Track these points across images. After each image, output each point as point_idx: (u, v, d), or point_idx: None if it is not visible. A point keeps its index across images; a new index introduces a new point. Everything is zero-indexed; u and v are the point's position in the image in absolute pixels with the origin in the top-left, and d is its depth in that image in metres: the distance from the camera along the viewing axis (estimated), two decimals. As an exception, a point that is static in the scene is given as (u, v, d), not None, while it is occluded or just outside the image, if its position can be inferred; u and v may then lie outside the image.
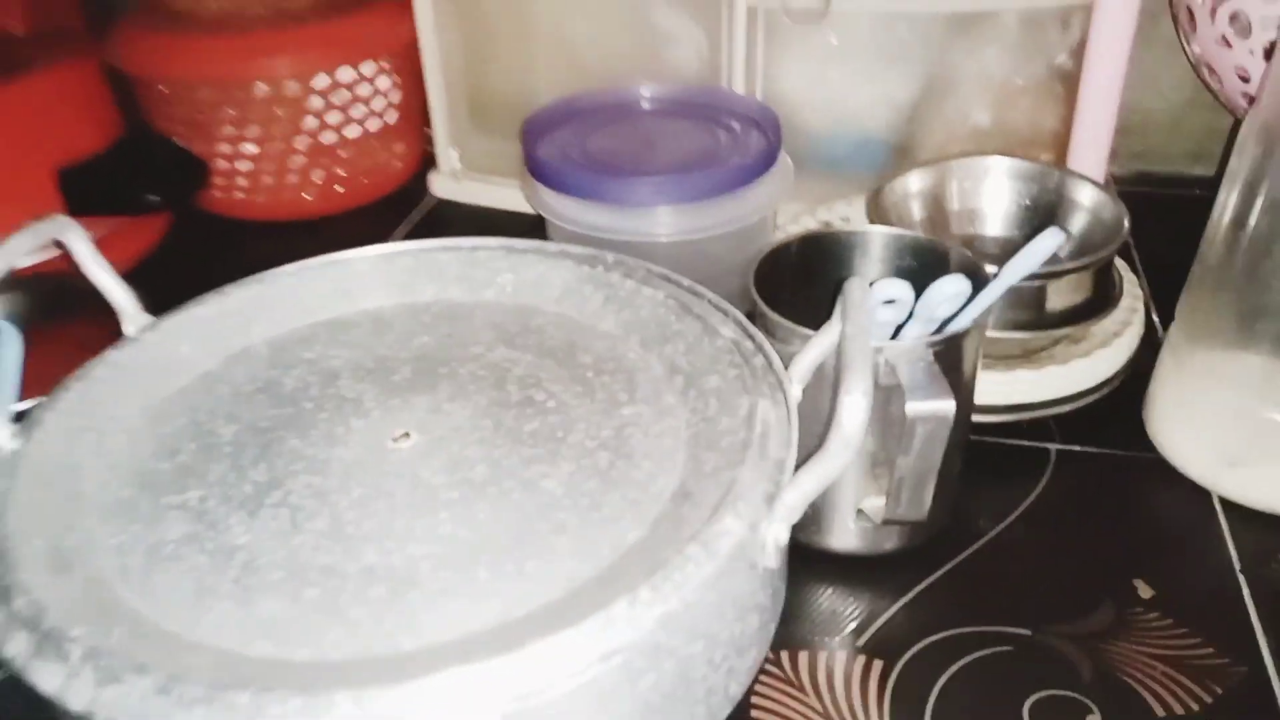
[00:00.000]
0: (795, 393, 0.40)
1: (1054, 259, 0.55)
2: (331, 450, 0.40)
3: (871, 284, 0.39)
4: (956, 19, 0.66)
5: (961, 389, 0.43)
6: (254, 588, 0.34)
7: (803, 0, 0.65)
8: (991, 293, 0.41)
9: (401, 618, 0.33)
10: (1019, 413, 0.53)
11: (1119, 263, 0.57)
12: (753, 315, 0.44)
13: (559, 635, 0.30)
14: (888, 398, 0.41)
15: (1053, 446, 0.53)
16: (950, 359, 0.41)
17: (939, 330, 0.42)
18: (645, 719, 0.33)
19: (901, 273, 0.47)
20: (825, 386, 0.41)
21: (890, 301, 0.40)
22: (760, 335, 0.43)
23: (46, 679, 0.30)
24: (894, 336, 0.43)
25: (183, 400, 0.43)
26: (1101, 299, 0.54)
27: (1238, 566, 0.46)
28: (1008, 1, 0.64)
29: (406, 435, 0.40)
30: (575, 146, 0.63)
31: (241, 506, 0.37)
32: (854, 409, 0.32)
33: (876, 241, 0.46)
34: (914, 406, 0.38)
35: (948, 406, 0.37)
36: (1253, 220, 0.45)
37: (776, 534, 0.34)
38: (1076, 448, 0.53)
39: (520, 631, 0.30)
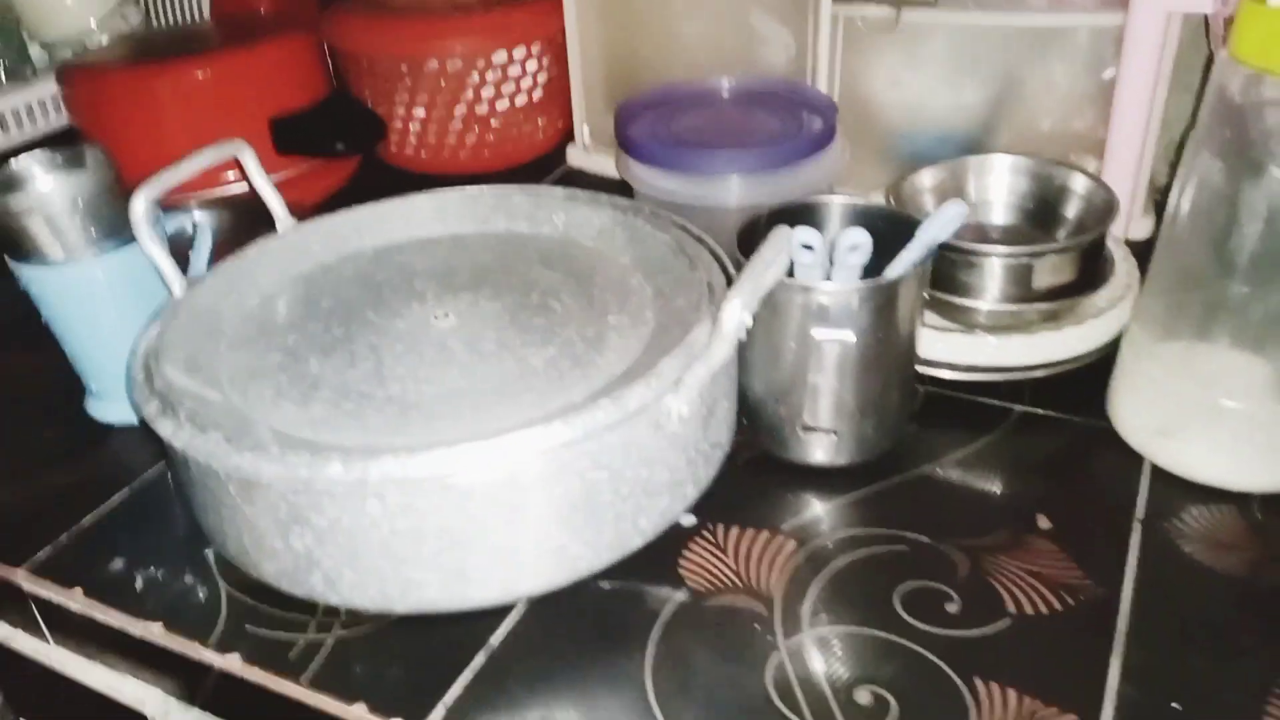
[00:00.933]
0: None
1: (1042, 240, 0.62)
2: (392, 321, 0.54)
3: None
4: (1021, 34, 0.73)
5: (896, 331, 0.52)
6: (311, 399, 0.48)
7: (876, 11, 0.74)
8: (911, 252, 0.50)
9: (402, 428, 0.46)
10: (994, 374, 0.60)
11: (1118, 249, 0.63)
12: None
13: (490, 441, 0.42)
14: (823, 330, 0.50)
15: (1018, 407, 0.60)
16: (879, 304, 0.50)
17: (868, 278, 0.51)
18: (559, 523, 0.45)
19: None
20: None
21: (808, 247, 0.49)
22: (732, 271, 0.53)
23: (163, 428, 0.45)
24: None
25: (303, 279, 0.58)
26: (1088, 280, 0.60)
27: (1138, 517, 0.52)
28: (1050, 19, 0.70)
29: (447, 316, 0.53)
30: (662, 126, 0.74)
31: (320, 350, 0.52)
32: (731, 311, 0.43)
33: (836, 208, 0.56)
34: (818, 331, 0.47)
35: (846, 335, 0.47)
36: (1178, 223, 0.51)
37: (679, 406, 0.45)
38: (1040, 411, 0.60)
39: (469, 440, 0.42)
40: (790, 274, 0.50)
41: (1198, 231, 0.50)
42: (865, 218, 0.56)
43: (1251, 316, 0.50)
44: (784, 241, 0.46)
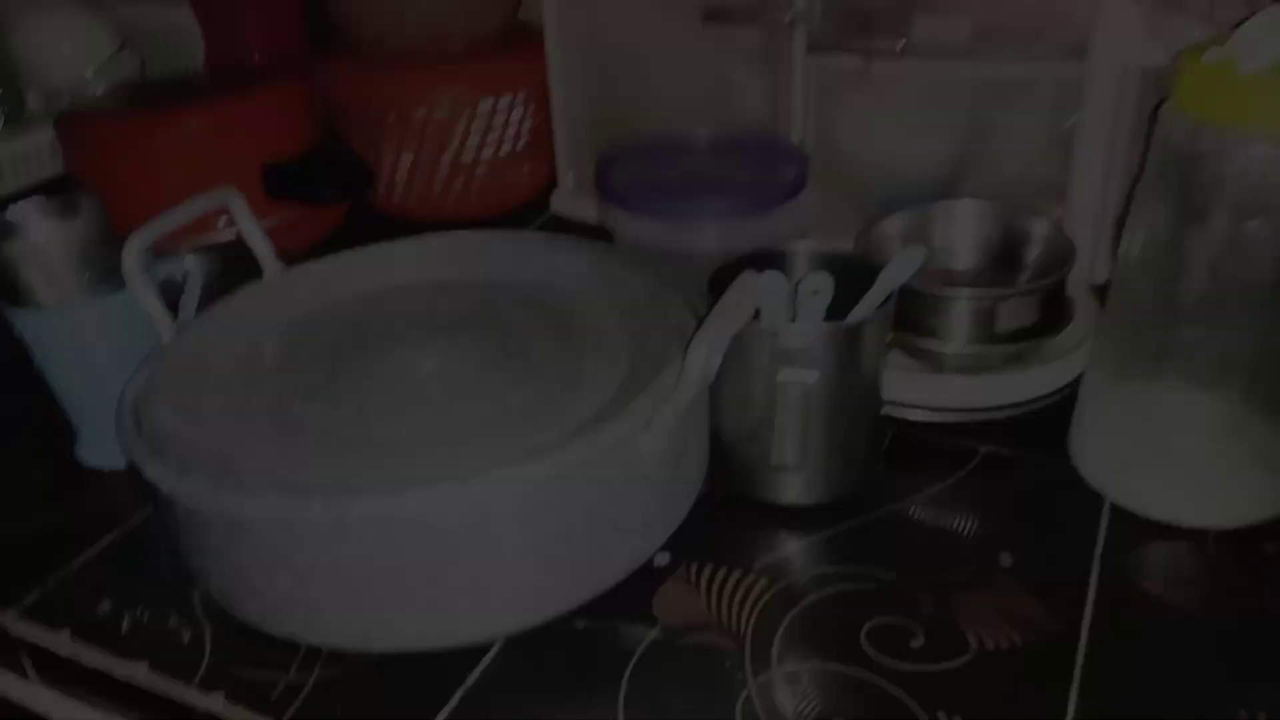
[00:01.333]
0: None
1: (1005, 284, 0.64)
2: (374, 365, 0.55)
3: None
4: (987, 84, 0.76)
5: (861, 373, 0.54)
6: (295, 441, 0.50)
7: (848, 63, 0.76)
8: (873, 296, 0.52)
9: (381, 468, 0.47)
10: (961, 414, 0.62)
11: (1079, 292, 0.65)
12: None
13: (466, 481, 0.44)
14: (790, 373, 0.52)
15: (984, 447, 0.62)
16: (841, 346, 0.52)
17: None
18: (534, 561, 0.46)
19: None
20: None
21: (773, 291, 0.51)
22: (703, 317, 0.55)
23: (151, 471, 0.46)
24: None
25: (288, 325, 0.60)
26: (1050, 322, 0.62)
27: (1098, 554, 0.54)
28: (1014, 70, 0.73)
29: (428, 360, 0.55)
30: (641, 175, 0.76)
31: (304, 393, 0.53)
32: (697, 353, 0.45)
33: (803, 254, 0.58)
34: (782, 373, 0.49)
35: (808, 376, 0.49)
36: (1129, 267, 0.54)
37: (649, 445, 0.47)
38: (1006, 451, 0.62)
39: (445, 479, 0.44)
40: (757, 317, 0.52)
41: (1147, 275, 0.52)
42: (831, 263, 0.58)
43: (1200, 358, 0.52)
44: (748, 286, 0.48)
